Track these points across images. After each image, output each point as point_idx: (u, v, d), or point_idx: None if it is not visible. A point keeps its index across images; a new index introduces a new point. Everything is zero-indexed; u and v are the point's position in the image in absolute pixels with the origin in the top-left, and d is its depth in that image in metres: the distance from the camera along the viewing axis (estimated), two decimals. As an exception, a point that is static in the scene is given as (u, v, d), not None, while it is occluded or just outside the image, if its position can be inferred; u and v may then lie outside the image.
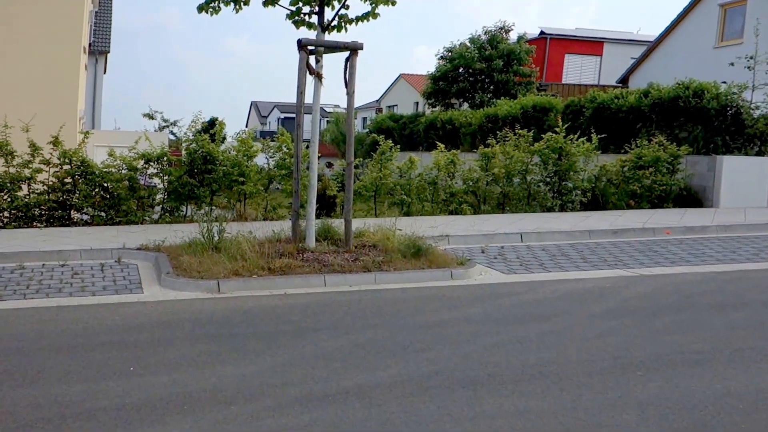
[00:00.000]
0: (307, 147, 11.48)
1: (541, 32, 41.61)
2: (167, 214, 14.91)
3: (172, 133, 45.26)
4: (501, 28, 37.66)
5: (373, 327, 7.58)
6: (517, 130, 18.36)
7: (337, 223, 11.93)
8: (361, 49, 10.67)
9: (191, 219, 14.86)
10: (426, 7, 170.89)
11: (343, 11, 10.90)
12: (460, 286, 9.68)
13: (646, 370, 6.14)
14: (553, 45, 41.22)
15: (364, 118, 60.45)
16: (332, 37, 11.02)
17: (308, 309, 8.41)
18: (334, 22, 10.91)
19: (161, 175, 14.81)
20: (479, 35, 37.38)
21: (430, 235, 11.97)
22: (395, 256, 10.49)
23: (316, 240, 11.11)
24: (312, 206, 10.94)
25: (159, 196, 14.97)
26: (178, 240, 11.26)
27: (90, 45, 28.34)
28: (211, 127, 15.88)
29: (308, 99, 10.78)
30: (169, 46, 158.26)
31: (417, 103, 50.91)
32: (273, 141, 16.26)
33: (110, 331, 7.28)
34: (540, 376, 5.98)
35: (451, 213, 16.60)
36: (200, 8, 10.91)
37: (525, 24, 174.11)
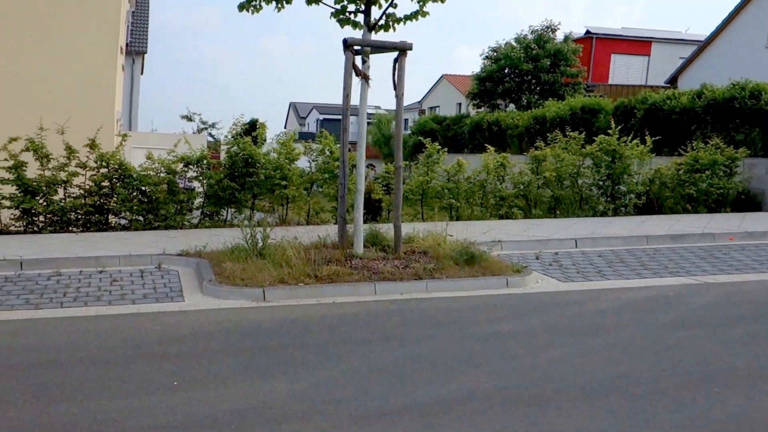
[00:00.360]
0: (350, 150, 11.28)
1: (587, 32, 41.65)
2: (207, 218, 14.84)
3: (210, 135, 45.56)
4: (547, 28, 37.64)
5: (428, 338, 7.34)
6: (568, 132, 18.19)
7: (384, 228, 11.76)
8: (410, 49, 10.47)
9: (232, 223, 14.80)
10: (467, 7, 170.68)
11: (390, 10, 10.74)
12: (517, 295, 9.45)
13: (723, 387, 5.84)
14: (599, 45, 41.34)
15: (406, 120, 60.24)
16: (378, 36, 10.88)
17: (359, 319, 8.21)
18: (381, 21, 10.75)
19: (201, 178, 14.73)
20: (525, 35, 37.41)
21: (481, 241, 11.76)
22: (447, 263, 10.30)
23: (364, 246, 10.91)
24: (359, 211, 10.74)
25: (198, 200, 14.89)
26: (220, 245, 11.13)
27: (127, 45, 28.53)
28: (253, 130, 15.80)
29: (353, 100, 10.60)
30: (205, 46, 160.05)
31: (460, 104, 50.97)
32: (315, 143, 16.17)
33: (151, 342, 7.11)
34: (609, 393, 5.73)
35: (501, 217, 16.44)
36: (241, 7, 10.82)
37: (569, 23, 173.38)
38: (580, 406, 5.43)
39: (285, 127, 77.36)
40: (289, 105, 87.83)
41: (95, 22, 18.15)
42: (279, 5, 10.80)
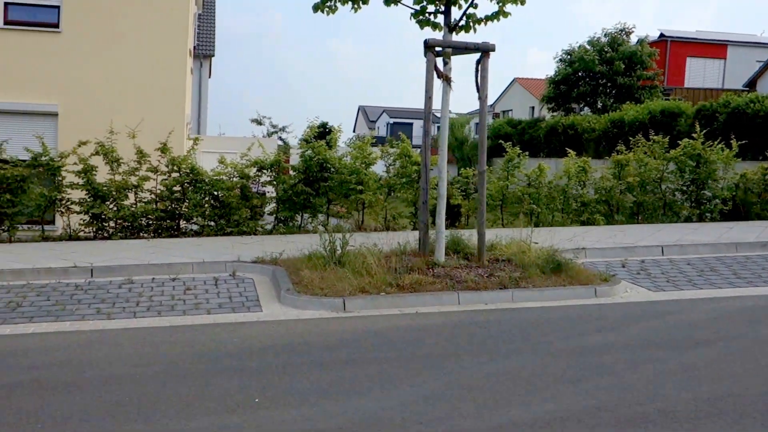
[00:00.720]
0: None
1: (661, 35, 41.64)
2: (281, 224, 14.70)
3: (280, 138, 45.87)
4: (621, 30, 37.79)
5: (519, 352, 7.10)
6: (651, 136, 17.93)
7: (466, 235, 11.56)
8: (493, 50, 10.36)
9: (306, 229, 14.66)
10: (537, 10, 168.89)
11: (471, 10, 10.69)
12: (607, 305, 9.17)
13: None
14: (674, 48, 41.27)
15: (476, 124, 60.10)
16: (459, 38, 10.78)
17: (444, 330, 7.97)
18: (462, 22, 10.68)
19: (275, 183, 14.59)
20: (599, 37, 37.60)
21: (565, 248, 11.57)
22: (533, 272, 10.07)
23: (445, 253, 10.65)
24: (442, 217, 10.52)
25: (272, 205, 14.77)
26: (296, 252, 10.96)
27: (194, 48, 28.79)
28: (324, 134, 15.67)
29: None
30: (271, 49, 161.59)
31: (533, 107, 51.28)
32: (393, 147, 15.97)
33: (230, 356, 6.88)
34: (717, 414, 5.43)
35: (582, 223, 16.27)
36: (316, 7, 10.87)
37: (640, 26, 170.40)
38: (688, 428, 5.15)
39: (354, 131, 77.61)
40: (358, 108, 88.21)
41: (164, 25, 18.25)
42: (355, 6, 10.84)
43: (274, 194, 14.80)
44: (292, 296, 8.93)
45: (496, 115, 56.45)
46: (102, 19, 17.77)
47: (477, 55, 10.49)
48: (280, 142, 38.71)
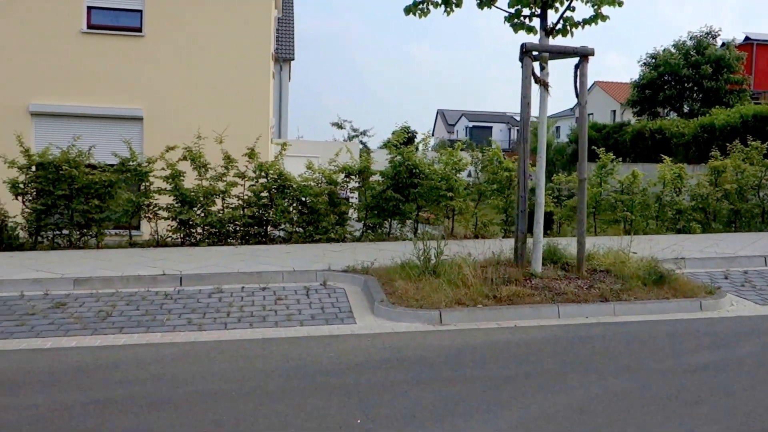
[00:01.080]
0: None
1: (746, 38, 41.23)
2: (369, 230, 14.52)
3: (361, 143, 45.86)
4: (707, 34, 37.82)
5: (627, 370, 6.76)
6: (749, 142, 17.59)
7: (562, 244, 11.23)
8: (592, 54, 10.06)
9: (395, 236, 14.45)
10: (614, 12, 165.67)
11: (568, 13, 10.46)
12: (713, 320, 8.82)
13: None
14: (761, 51, 41.05)
15: (558, 127, 59.50)
16: (554, 42, 10.55)
17: (546, 346, 7.64)
18: (559, 26, 10.47)
19: (363, 189, 14.40)
20: (684, 41, 37.61)
21: (664, 258, 11.25)
22: (634, 284, 9.73)
23: (542, 264, 10.31)
24: (540, 227, 10.20)
25: (361, 212, 14.63)
26: (387, 261, 10.77)
27: (275, 52, 28.94)
28: (412, 139, 15.52)
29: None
30: (349, 52, 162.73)
31: (614, 111, 50.99)
32: (482, 153, 15.81)
33: (327, 371, 6.66)
34: None
35: (678, 231, 15.98)
36: (408, 10, 10.81)
37: (722, 29, 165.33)
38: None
39: (433, 134, 77.37)
40: (437, 112, 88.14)
41: (246, 29, 18.31)
42: (448, 9, 10.75)
43: (356, 200, 14.66)
44: (387, 308, 8.69)
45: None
46: (184, 23, 17.95)
47: (571, 60, 10.23)
48: (360, 146, 38.69)
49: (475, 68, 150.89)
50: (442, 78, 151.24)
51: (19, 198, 13.16)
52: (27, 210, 13.08)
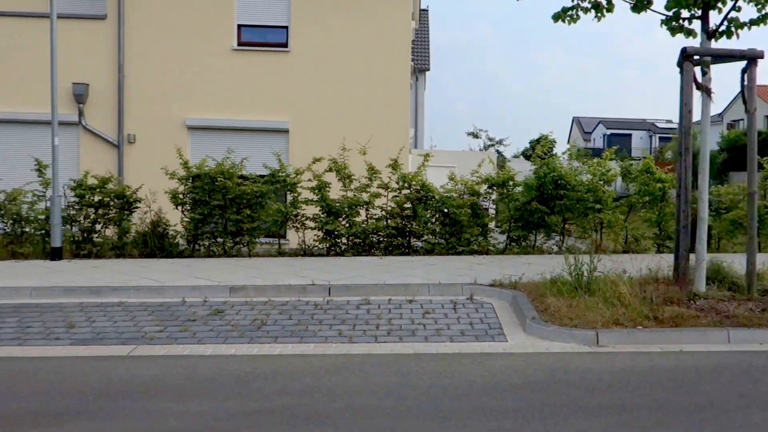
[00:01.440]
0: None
1: None
2: (514, 243, 14.19)
3: (498, 152, 45.40)
4: None
5: None
6: None
7: (727, 261, 10.50)
8: (762, 57, 9.38)
9: (541, 249, 14.06)
10: None
11: (733, 14, 9.85)
12: None
13: None
14: None
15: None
16: (716, 45, 10.00)
17: (719, 375, 7.05)
18: (722, 27, 9.88)
19: (505, 200, 14.10)
20: None
21: None
22: None
23: (705, 283, 9.68)
24: (703, 244, 9.62)
25: (505, 224, 14.33)
26: (534, 275, 10.47)
27: (412, 63, 29.01)
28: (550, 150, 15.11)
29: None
30: (480, 61, 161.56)
31: (767, 116, 47.48)
32: (633, 163, 15.08)
33: (480, 392, 6.42)
34: None
35: None
36: (556, 17, 10.66)
37: None
38: None
39: (568, 142, 75.76)
40: (572, 119, 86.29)
41: (387, 42, 18.38)
42: (599, 14, 10.47)
43: (493, 211, 14.40)
44: (539, 326, 8.38)
45: (730, 126, 53.14)
46: (327, 37, 18.22)
47: (735, 64, 9.62)
48: (497, 155, 38.29)
49: (609, 74, 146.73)
50: (576, 85, 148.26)
51: (179, 208, 13.64)
52: (186, 219, 13.54)
